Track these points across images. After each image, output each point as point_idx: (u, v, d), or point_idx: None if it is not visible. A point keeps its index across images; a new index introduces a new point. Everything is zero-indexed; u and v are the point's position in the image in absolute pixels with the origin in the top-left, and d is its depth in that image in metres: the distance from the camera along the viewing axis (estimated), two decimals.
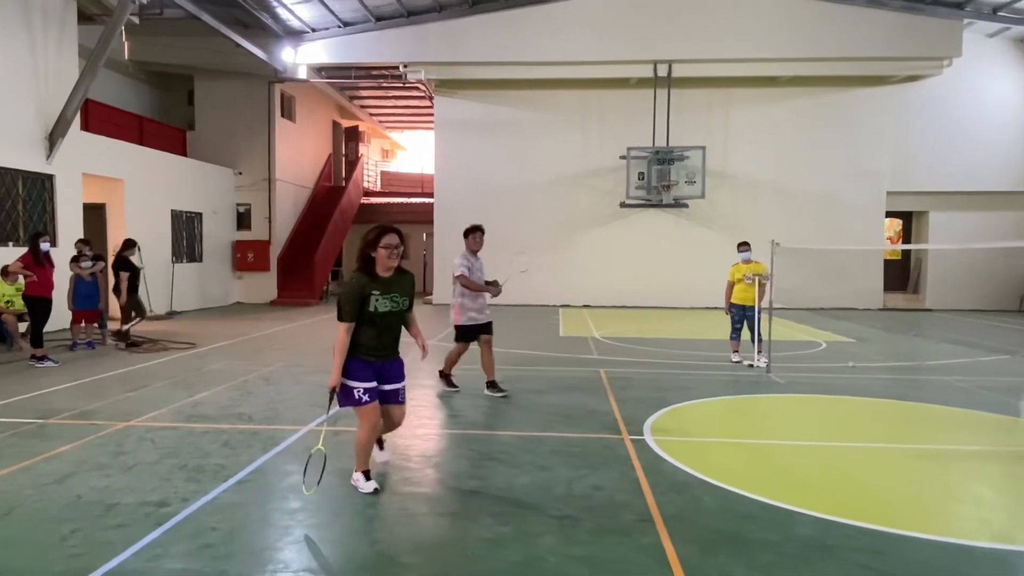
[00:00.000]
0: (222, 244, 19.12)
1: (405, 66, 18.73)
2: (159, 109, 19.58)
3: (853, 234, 18.61)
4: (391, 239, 4.17)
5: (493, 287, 7.28)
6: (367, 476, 4.44)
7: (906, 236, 21.10)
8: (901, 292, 20.77)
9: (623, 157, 17.99)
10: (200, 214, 17.98)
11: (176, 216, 16.93)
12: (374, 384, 4.25)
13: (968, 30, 17.82)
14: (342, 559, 3.51)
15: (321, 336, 12.38)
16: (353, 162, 25.74)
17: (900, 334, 13.92)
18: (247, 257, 19.50)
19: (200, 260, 18.05)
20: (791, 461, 5.30)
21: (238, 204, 19.70)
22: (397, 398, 4.42)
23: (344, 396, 4.20)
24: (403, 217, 25.80)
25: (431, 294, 20.41)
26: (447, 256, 19.79)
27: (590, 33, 17.94)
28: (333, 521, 3.99)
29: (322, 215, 21.73)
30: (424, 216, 21.94)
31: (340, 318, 4.15)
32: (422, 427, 6.18)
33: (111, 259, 11.48)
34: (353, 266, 4.28)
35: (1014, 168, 19.14)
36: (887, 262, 20.06)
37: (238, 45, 16.58)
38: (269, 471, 4.82)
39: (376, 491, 4.35)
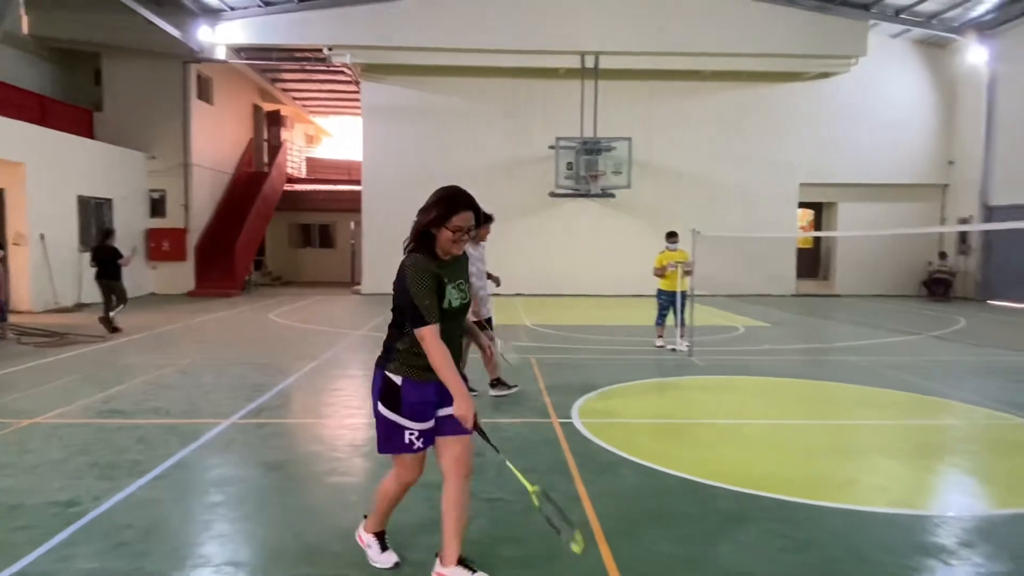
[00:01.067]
0: (134, 232, 18.15)
1: (330, 49, 18.23)
2: (63, 88, 18.32)
3: (769, 223, 19.45)
4: (466, 219, 2.83)
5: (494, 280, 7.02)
6: (382, 541, 3.27)
7: (817, 225, 22.23)
8: (812, 279, 21.88)
9: (552, 147, 18.14)
10: (110, 200, 17.01)
11: (83, 202, 15.95)
12: (431, 424, 2.97)
13: (873, 31, 18.84)
14: (267, 551, 3.43)
15: (244, 327, 11.99)
16: (276, 147, 24.91)
17: (811, 318, 14.69)
18: (162, 246, 18.61)
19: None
20: (710, 439, 5.53)
21: (151, 190, 18.73)
22: (462, 427, 2.87)
23: (387, 436, 2.96)
24: (329, 205, 25.24)
25: (359, 283, 20.07)
26: (376, 245, 19.55)
27: (519, 22, 17.96)
28: (257, 514, 3.89)
29: (243, 202, 20.95)
30: (351, 204, 21.50)
31: (423, 320, 2.76)
32: (351, 416, 6.10)
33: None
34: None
35: (915, 162, 20.42)
36: (799, 250, 21.07)
37: (150, 22, 15.70)
38: (189, 466, 4.65)
39: (397, 565, 3.21)
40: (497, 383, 6.77)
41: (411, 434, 2.92)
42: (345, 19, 17.85)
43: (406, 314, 2.83)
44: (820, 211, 22.13)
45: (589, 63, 18.38)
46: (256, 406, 6.32)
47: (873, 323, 13.55)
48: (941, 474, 4.84)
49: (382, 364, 2.96)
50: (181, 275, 18.84)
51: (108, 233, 11.48)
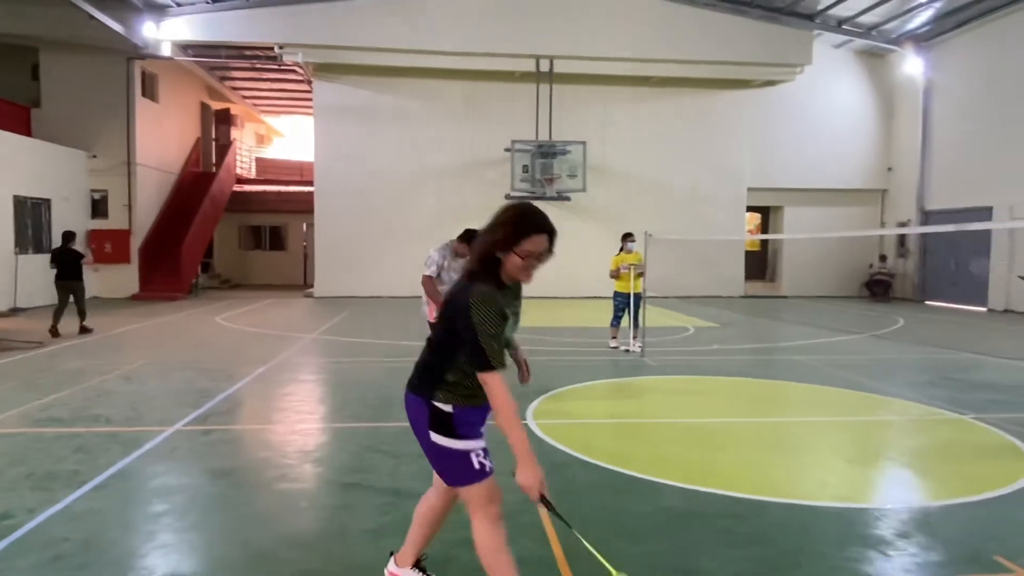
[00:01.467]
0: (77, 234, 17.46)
1: (281, 47, 17.89)
2: None
3: (718, 226, 19.92)
4: (539, 243, 2.56)
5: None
6: (423, 570, 2.97)
7: (764, 229, 22.86)
8: (760, 280, 22.50)
9: (508, 149, 18.20)
10: (48, 200, 16.33)
11: (19, 203, 15.28)
12: (484, 441, 2.66)
13: (817, 41, 19.49)
14: (213, 561, 3.35)
15: (190, 331, 11.65)
16: (225, 147, 24.29)
17: (759, 318, 15.08)
18: (104, 248, 17.95)
19: (48, 251, 16.39)
20: (661, 437, 5.63)
21: (93, 190, 18.07)
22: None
23: (456, 468, 2.58)
24: (280, 206, 24.76)
25: (312, 286, 19.74)
26: (328, 247, 19.27)
27: (474, 24, 17.96)
28: (203, 523, 3.79)
29: (190, 203, 20.37)
30: (303, 205, 21.14)
31: (490, 365, 2.40)
32: (302, 422, 6.00)
33: None
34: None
35: (857, 168, 21.20)
36: (748, 253, 21.63)
37: (91, 16, 15.14)
38: (131, 475, 4.50)
39: None
40: None
41: (477, 456, 2.58)
42: (296, 17, 17.56)
43: (465, 349, 2.46)
44: (767, 215, 22.77)
45: (544, 67, 18.51)
46: (202, 412, 6.16)
47: (817, 323, 13.99)
48: (880, 469, 5.03)
49: (426, 393, 2.58)
50: (125, 278, 18.21)
51: (70, 236, 11.61)
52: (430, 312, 6.38)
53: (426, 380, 2.61)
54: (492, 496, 2.61)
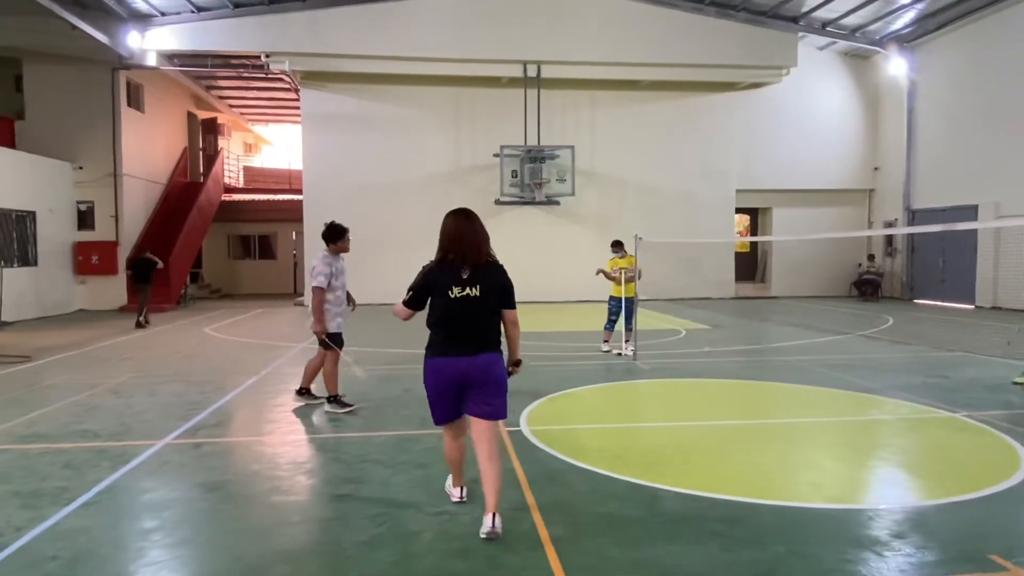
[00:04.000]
0: (61, 246, 17.31)
1: (267, 56, 17.82)
2: None
3: (707, 228, 19.97)
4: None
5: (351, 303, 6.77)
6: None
7: (753, 230, 22.96)
8: (750, 282, 22.60)
9: (496, 155, 18.19)
10: (33, 213, 16.17)
11: (4, 215, 15.12)
12: None
13: (802, 43, 19.63)
14: None
15: (179, 342, 11.55)
16: (212, 156, 24.16)
17: (749, 320, 15.13)
18: (91, 259, 17.79)
19: (35, 264, 16.23)
20: (655, 442, 5.61)
21: (79, 202, 17.90)
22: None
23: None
24: (269, 215, 24.64)
25: (302, 295, 19.63)
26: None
27: (460, 30, 17.97)
28: (194, 538, 3.74)
29: (178, 213, 20.22)
30: (292, 214, 21.04)
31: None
32: (293, 433, 5.95)
33: None
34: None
35: (844, 168, 21.35)
36: (737, 255, 21.71)
37: (74, 26, 15.04)
38: (120, 491, 4.44)
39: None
40: (333, 400, 6.57)
41: None
42: (282, 26, 17.51)
43: (508, 302, 3.84)
44: (756, 216, 22.87)
45: (532, 72, 18.54)
46: (192, 425, 6.09)
47: (807, 324, 14.05)
48: (872, 469, 5.04)
49: (497, 347, 3.83)
50: (112, 290, 18.04)
51: (144, 249, 14.95)
52: (324, 322, 6.37)
53: (495, 340, 3.82)
54: None
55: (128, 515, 4.03)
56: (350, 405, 6.57)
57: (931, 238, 18.64)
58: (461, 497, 4.11)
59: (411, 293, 3.80)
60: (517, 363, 3.92)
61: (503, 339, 3.83)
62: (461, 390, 3.76)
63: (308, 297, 6.76)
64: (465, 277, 3.72)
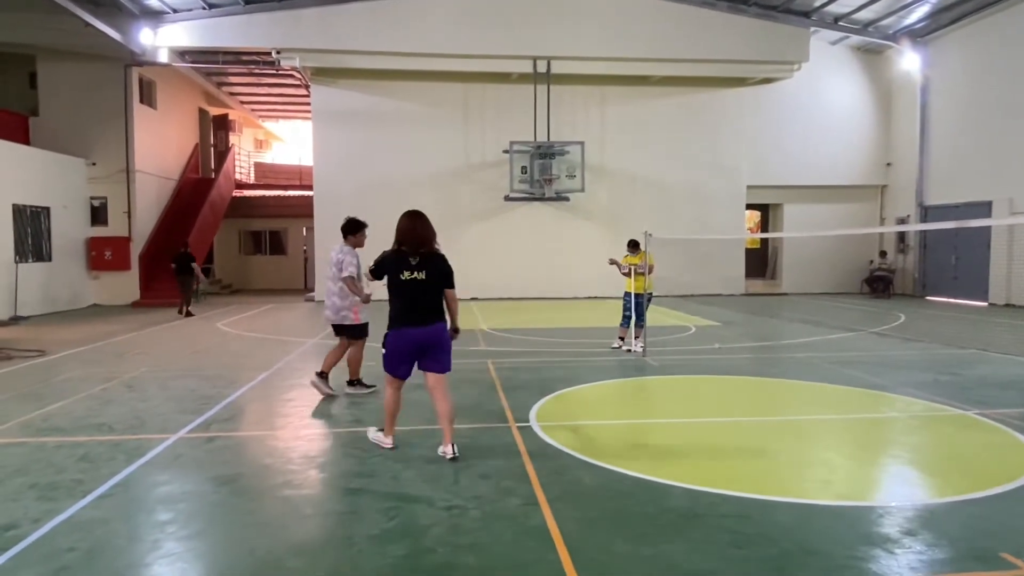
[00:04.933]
0: (74, 242, 17.49)
1: (278, 52, 17.89)
2: None
3: (717, 225, 19.90)
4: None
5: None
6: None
7: (763, 227, 22.84)
8: (760, 278, 22.50)
9: (506, 151, 18.19)
10: (47, 209, 16.34)
11: (19, 211, 15.29)
12: None
13: (814, 38, 19.48)
14: (219, 569, 3.35)
15: (191, 338, 11.66)
16: (223, 152, 24.31)
17: (760, 316, 15.07)
18: (104, 255, 17.96)
19: (49, 259, 16.41)
20: (665, 438, 5.62)
21: (92, 198, 18.08)
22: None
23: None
24: (280, 211, 24.77)
25: (313, 291, 19.73)
26: (329, 251, 19.15)
27: (470, 26, 17.96)
28: (207, 531, 3.79)
29: (190, 209, 20.38)
30: (303, 210, 21.14)
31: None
32: (305, 428, 5.99)
33: None
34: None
35: (856, 164, 21.18)
36: (748, 251, 21.62)
37: (87, 24, 15.15)
38: (135, 484, 4.50)
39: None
40: (356, 383, 7.18)
41: None
42: (293, 22, 17.56)
43: (449, 283, 4.88)
44: (767, 212, 22.76)
45: (541, 68, 18.50)
46: (205, 419, 6.15)
47: (818, 320, 13.98)
48: (883, 466, 5.03)
49: (442, 318, 4.91)
50: (125, 285, 18.21)
51: (186, 244, 16.09)
52: (355, 315, 6.95)
53: (439, 313, 4.89)
54: None
55: (143, 507, 4.09)
56: (371, 386, 7.14)
57: (944, 234, 18.49)
58: (393, 445, 5.08)
59: (373, 268, 4.94)
60: (456, 330, 5.00)
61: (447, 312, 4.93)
62: (418, 352, 4.85)
63: (326, 292, 7.07)
64: (414, 263, 4.77)
